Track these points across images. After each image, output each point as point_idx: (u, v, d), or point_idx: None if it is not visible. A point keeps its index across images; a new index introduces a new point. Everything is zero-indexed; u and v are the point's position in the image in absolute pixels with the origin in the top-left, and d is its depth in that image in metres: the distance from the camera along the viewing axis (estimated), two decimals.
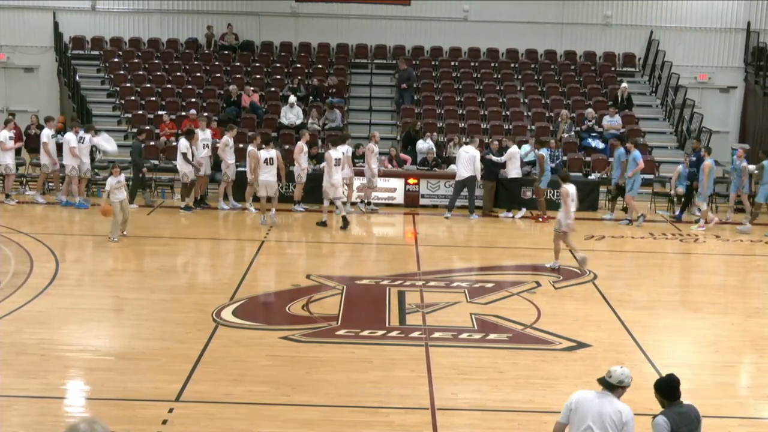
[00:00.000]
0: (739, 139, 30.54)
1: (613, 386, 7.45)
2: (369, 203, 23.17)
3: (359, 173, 23.02)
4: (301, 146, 22.22)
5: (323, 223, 20.87)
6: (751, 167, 23.21)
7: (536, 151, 23.41)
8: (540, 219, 22.47)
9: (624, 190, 22.58)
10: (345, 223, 20.55)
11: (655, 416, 7.34)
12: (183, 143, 22.29)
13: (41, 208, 22.29)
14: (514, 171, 23.01)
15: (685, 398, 7.60)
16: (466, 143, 23.53)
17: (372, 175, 22.83)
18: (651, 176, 24.58)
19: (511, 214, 22.89)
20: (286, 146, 24.73)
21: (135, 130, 25.08)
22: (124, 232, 19.17)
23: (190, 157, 22.20)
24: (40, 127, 23.61)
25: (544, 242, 20.48)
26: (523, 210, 23.01)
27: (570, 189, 17.26)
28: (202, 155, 22.58)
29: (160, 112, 27.45)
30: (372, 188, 23.10)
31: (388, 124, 29.06)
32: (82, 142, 22.64)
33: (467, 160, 22.42)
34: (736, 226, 22.05)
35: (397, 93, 29.06)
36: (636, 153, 22.34)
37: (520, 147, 23.78)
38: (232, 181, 22.69)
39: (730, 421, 10.40)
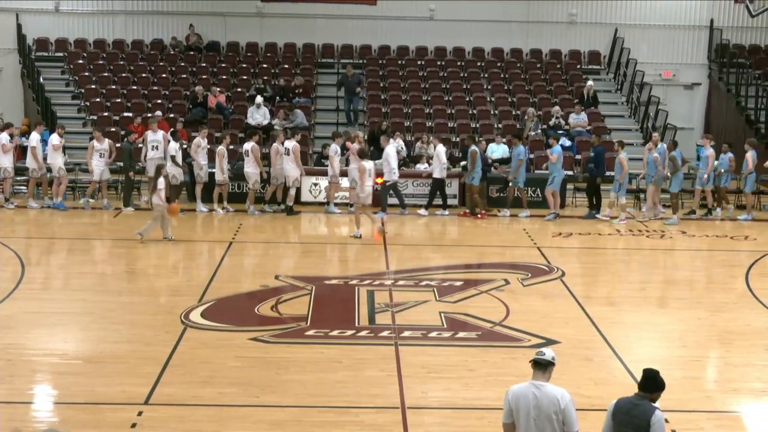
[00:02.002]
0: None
1: (547, 363, 7.40)
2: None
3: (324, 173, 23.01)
4: (277, 147, 22.18)
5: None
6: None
7: (512, 148, 23.40)
8: (478, 216, 22.54)
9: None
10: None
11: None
12: (172, 145, 22.20)
13: (11, 213, 22.00)
14: (437, 170, 22.83)
15: None
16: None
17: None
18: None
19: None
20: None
21: (123, 132, 24.99)
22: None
23: (179, 159, 22.11)
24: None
25: (512, 240, 20.59)
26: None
27: (367, 165, 19.67)
28: (151, 157, 22.51)
29: (126, 114, 27.27)
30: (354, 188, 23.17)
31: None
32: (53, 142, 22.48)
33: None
34: (663, 220, 22.39)
35: (347, 101, 28.25)
36: (520, 148, 22.62)
37: (487, 145, 23.91)
38: (205, 182, 22.57)
39: (697, 415, 10.47)
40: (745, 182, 23.12)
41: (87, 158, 22.68)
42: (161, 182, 18.99)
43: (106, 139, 22.76)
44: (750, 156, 22.84)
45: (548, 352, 7.49)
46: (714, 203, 23.41)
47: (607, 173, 23.10)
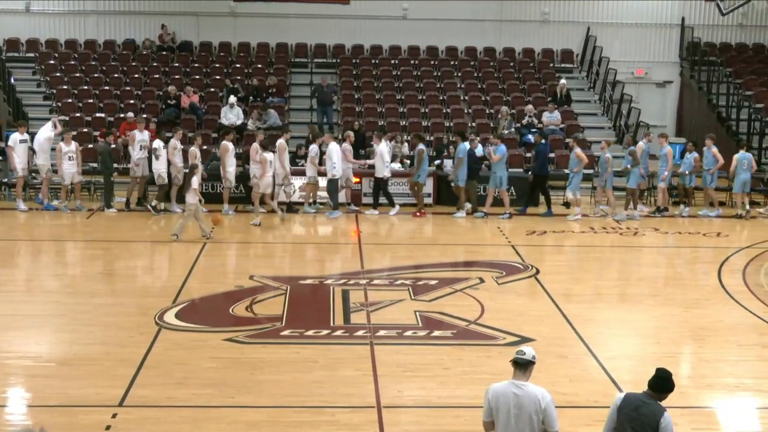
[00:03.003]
0: (676, 133, 31.02)
1: (527, 363, 7.41)
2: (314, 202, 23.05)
3: (302, 173, 22.94)
4: (256, 147, 22.11)
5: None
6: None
7: (487, 147, 23.41)
8: (417, 213, 22.56)
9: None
10: None
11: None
12: (158, 144, 22.08)
13: None
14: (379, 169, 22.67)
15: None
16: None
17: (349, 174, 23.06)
18: (591, 171, 24.82)
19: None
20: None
21: (97, 133, 24.81)
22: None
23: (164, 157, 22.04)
24: None
25: (486, 238, 20.63)
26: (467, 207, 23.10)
27: (268, 156, 21.14)
28: (139, 157, 22.38)
29: (98, 114, 27.12)
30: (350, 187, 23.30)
31: (327, 123, 28.95)
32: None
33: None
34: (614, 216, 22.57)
35: (320, 113, 27.66)
36: (461, 146, 22.63)
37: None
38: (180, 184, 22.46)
39: (672, 410, 10.39)
40: (711, 178, 23.20)
41: (57, 161, 22.44)
42: (194, 181, 19.14)
43: (74, 142, 22.55)
44: (715, 151, 23.00)
45: (528, 351, 7.48)
46: (669, 202, 23.50)
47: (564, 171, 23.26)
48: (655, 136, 24.45)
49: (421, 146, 22.63)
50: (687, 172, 23.27)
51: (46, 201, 22.33)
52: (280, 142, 22.37)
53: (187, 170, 20.33)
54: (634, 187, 22.83)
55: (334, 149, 22.06)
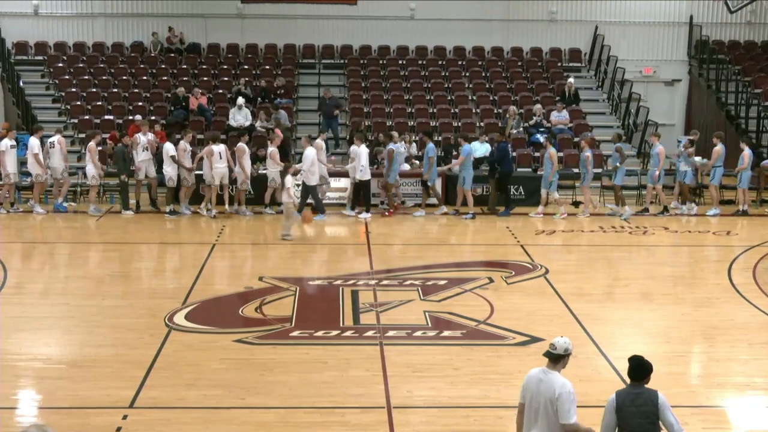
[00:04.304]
0: (685, 131, 30.93)
1: (560, 356, 7.68)
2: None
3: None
4: (248, 149, 22.09)
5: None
6: (698, 159, 23.68)
7: (492, 146, 23.42)
8: (386, 213, 22.52)
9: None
10: None
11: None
12: (169, 146, 22.12)
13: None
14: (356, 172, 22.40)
15: None
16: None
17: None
18: (599, 170, 24.79)
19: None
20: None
21: (107, 135, 24.89)
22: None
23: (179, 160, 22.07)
24: None
25: (495, 238, 20.61)
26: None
27: (216, 149, 21.64)
28: (141, 159, 22.42)
29: (107, 117, 27.16)
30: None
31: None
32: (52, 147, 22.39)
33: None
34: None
35: (325, 126, 26.97)
36: (429, 146, 22.65)
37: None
38: (193, 185, 22.49)
39: (682, 410, 10.46)
40: (712, 175, 23.16)
41: (88, 162, 22.45)
42: (289, 180, 19.39)
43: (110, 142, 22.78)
44: (720, 149, 22.94)
45: (559, 345, 7.72)
46: (667, 201, 23.42)
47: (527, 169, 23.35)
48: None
49: (391, 146, 22.45)
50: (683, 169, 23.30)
51: (62, 202, 22.44)
52: (318, 141, 22.49)
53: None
54: (620, 184, 22.80)
55: (362, 153, 22.05)
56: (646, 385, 7.58)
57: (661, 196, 23.18)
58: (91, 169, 22.28)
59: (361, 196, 22.52)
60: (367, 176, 22.25)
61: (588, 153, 22.65)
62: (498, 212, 22.61)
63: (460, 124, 27.71)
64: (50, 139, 22.49)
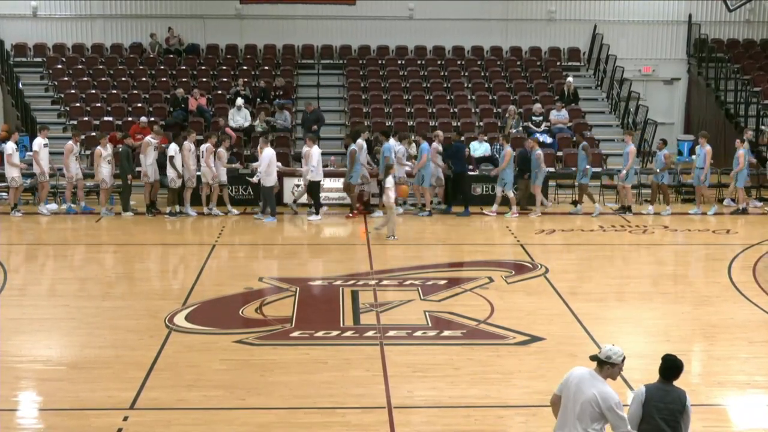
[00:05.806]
0: (684, 130, 30.99)
1: (600, 361, 7.56)
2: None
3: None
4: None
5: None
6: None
7: (503, 146, 23.40)
8: (349, 215, 22.51)
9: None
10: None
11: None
12: (172, 147, 22.12)
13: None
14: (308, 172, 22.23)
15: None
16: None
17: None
18: (599, 169, 24.81)
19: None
20: (235, 149, 24.70)
21: (118, 136, 24.87)
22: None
23: (177, 162, 22.01)
24: None
25: (495, 238, 20.63)
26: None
27: (173, 147, 21.77)
28: (151, 162, 22.39)
29: (106, 118, 27.16)
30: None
31: (336, 124, 29.01)
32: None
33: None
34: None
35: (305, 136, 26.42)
36: (423, 145, 22.63)
37: (468, 144, 23.94)
38: (193, 186, 22.48)
39: None
40: (704, 176, 23.17)
41: (95, 164, 22.51)
42: (389, 181, 19.51)
43: (110, 145, 22.71)
44: (708, 150, 22.97)
45: (605, 351, 7.56)
46: (633, 201, 23.36)
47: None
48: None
49: (353, 146, 22.40)
50: (659, 170, 23.29)
51: (84, 203, 22.60)
52: (359, 141, 22.53)
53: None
54: (586, 183, 22.90)
55: (314, 154, 21.92)
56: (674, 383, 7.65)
57: (629, 195, 23.11)
58: (105, 171, 22.26)
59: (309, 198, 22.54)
60: (318, 177, 22.13)
61: (539, 152, 22.73)
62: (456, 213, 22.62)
63: (459, 123, 27.70)
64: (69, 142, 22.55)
